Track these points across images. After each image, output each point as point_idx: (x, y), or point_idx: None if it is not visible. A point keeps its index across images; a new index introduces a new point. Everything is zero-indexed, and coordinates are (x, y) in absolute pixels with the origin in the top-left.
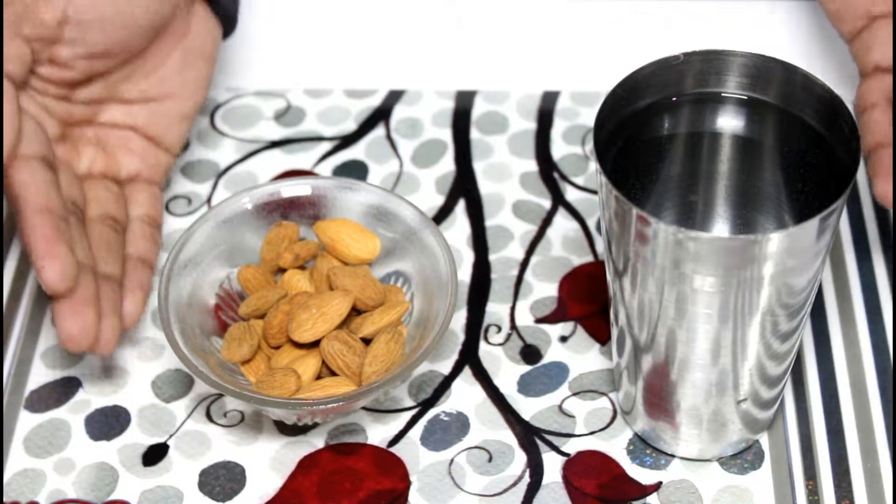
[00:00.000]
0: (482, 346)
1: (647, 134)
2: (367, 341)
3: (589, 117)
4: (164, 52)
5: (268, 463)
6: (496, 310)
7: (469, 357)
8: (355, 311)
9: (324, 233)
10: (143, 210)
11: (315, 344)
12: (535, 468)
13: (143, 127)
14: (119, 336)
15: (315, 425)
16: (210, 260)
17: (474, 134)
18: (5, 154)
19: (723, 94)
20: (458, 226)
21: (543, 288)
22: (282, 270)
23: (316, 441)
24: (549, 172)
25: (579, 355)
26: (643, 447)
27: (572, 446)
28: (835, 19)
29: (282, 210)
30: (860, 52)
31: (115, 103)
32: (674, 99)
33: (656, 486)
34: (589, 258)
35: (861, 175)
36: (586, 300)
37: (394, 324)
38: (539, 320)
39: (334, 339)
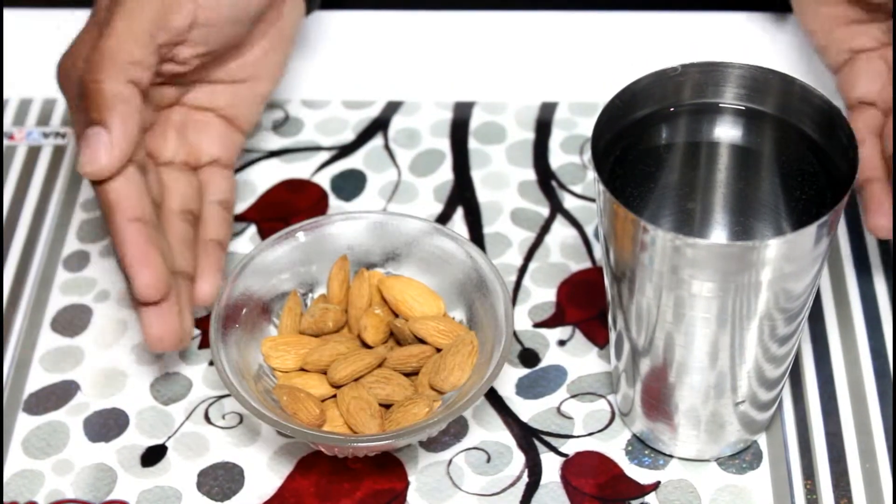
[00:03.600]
0: None
1: (644, 143)
2: None
3: (587, 127)
4: (258, 36)
5: (266, 463)
6: None
7: None
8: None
9: (388, 291)
10: (219, 195)
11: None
12: (534, 468)
13: (224, 108)
14: (192, 328)
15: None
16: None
17: (472, 144)
18: (117, 166)
19: (720, 105)
20: (457, 232)
21: (542, 293)
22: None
23: None
24: (547, 181)
25: (577, 358)
26: (641, 447)
27: (571, 447)
28: (820, 52)
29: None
30: (845, 86)
31: (203, 84)
32: (671, 109)
33: (655, 486)
34: (587, 264)
35: None
36: (584, 305)
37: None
38: (537, 325)
39: (352, 389)
